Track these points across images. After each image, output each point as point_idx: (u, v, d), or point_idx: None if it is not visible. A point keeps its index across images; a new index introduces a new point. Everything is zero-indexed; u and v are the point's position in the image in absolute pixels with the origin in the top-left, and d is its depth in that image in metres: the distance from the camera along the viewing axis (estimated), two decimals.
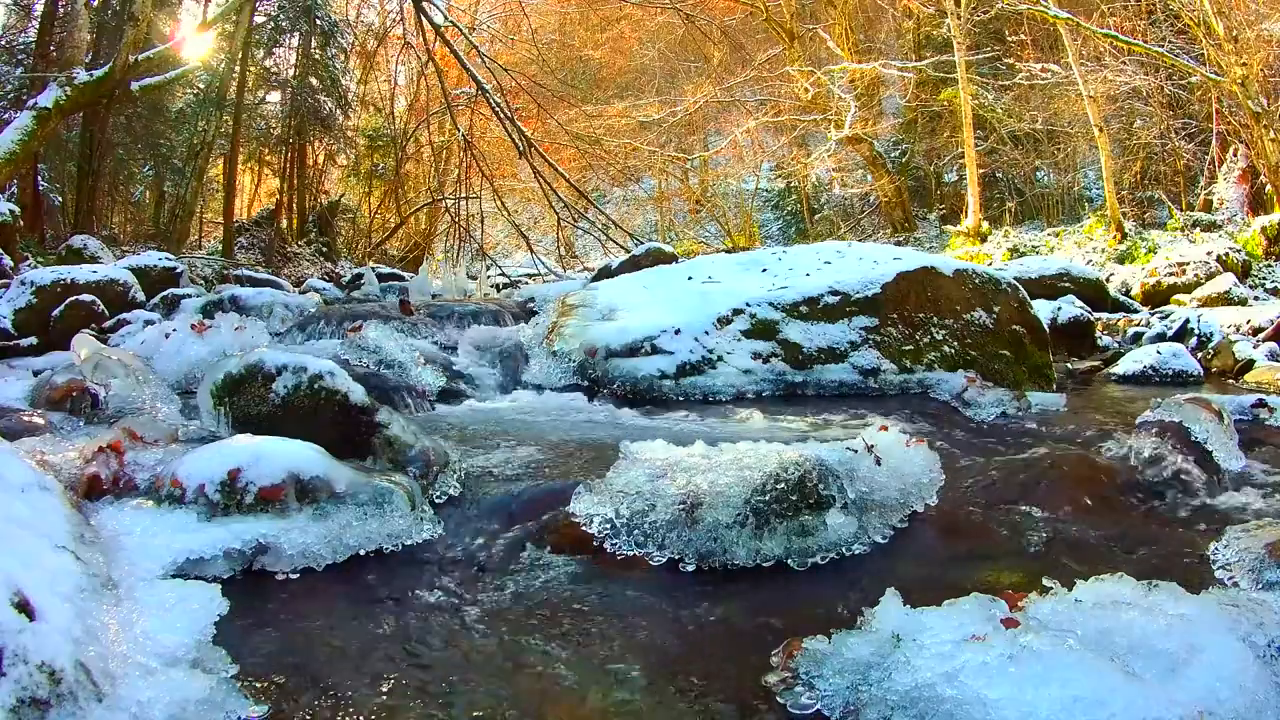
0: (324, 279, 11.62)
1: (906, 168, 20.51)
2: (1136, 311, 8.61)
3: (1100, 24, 13.50)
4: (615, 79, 23.56)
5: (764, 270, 4.86)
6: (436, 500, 2.18)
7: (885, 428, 2.35)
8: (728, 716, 1.33)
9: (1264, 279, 10.76)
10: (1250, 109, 11.54)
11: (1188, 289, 9.98)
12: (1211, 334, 5.94)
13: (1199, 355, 5.60)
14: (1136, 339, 6.70)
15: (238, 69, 13.83)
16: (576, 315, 4.38)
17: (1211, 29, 11.70)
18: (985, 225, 16.27)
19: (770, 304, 4.31)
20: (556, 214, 11.70)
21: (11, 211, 8.14)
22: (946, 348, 4.32)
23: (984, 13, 15.51)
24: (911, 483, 2.15)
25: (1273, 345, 5.81)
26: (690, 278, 4.86)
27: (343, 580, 1.78)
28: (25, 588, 1.21)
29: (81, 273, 6.25)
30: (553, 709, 1.36)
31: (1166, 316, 7.16)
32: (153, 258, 8.08)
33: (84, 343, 3.39)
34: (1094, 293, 8.44)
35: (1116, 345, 6.58)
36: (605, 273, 7.48)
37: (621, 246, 11.21)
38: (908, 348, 4.26)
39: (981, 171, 16.90)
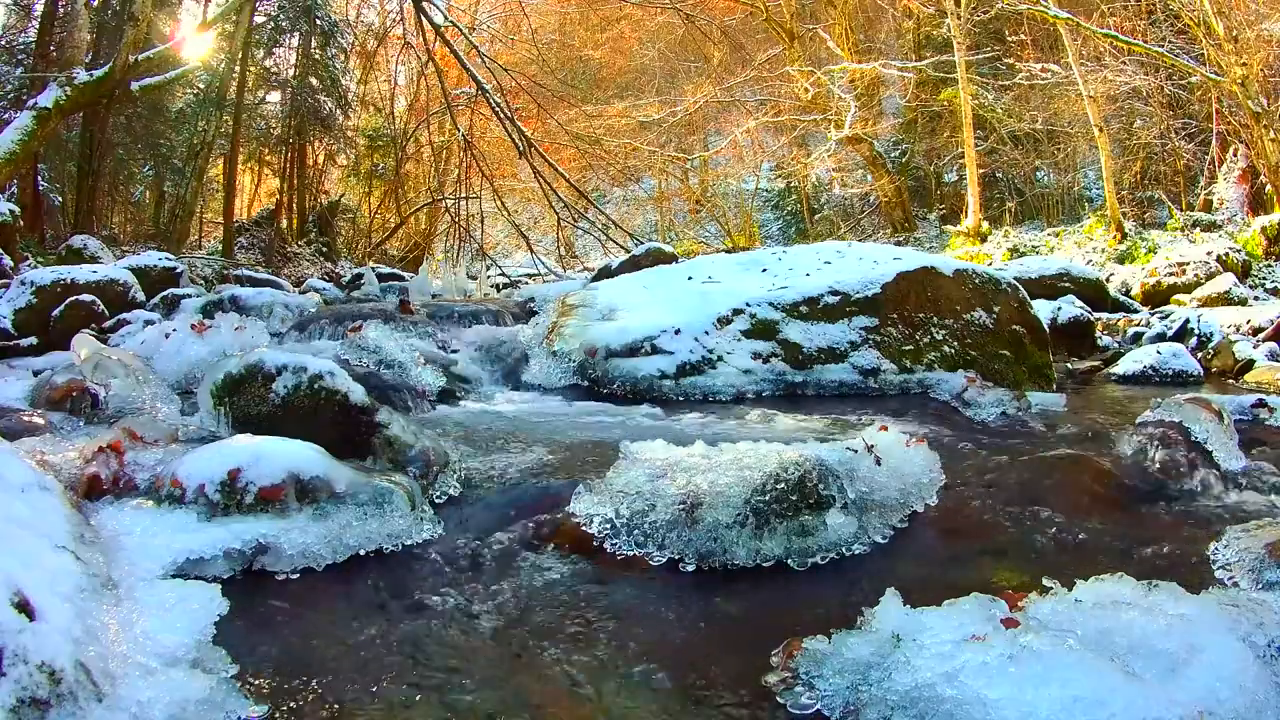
0: (324, 279, 11.61)
1: (906, 168, 20.51)
2: (1136, 311, 8.61)
3: (1100, 24, 13.50)
4: (615, 79, 23.56)
5: (764, 270, 4.86)
6: (436, 500, 2.18)
7: (885, 428, 2.35)
8: (728, 716, 1.33)
9: (1264, 279, 10.76)
10: (1250, 109, 11.54)
11: (1188, 289, 9.98)
12: (1211, 334, 5.94)
13: (1199, 355, 5.60)
14: (1136, 339, 6.70)
15: (238, 69, 13.83)
16: (576, 315, 4.38)
17: (1211, 29, 11.70)
18: (985, 225, 16.27)
19: (770, 304, 4.31)
20: (556, 214, 11.70)
21: (11, 211, 8.14)
22: (946, 348, 4.32)
23: (984, 13, 15.51)
24: (911, 483, 2.15)
25: (1273, 345, 5.81)
26: (690, 278, 4.86)
27: (343, 580, 1.78)
28: (25, 588, 1.21)
29: (81, 273, 6.25)
30: (553, 709, 1.36)
31: (1166, 316, 7.16)
32: (153, 258, 8.08)
33: (84, 343, 3.39)
34: (1094, 293, 8.44)
35: (1116, 345, 6.58)
36: (605, 273, 7.48)
37: (621, 246, 11.21)
38: (908, 348, 4.26)
39: (981, 171, 16.90)
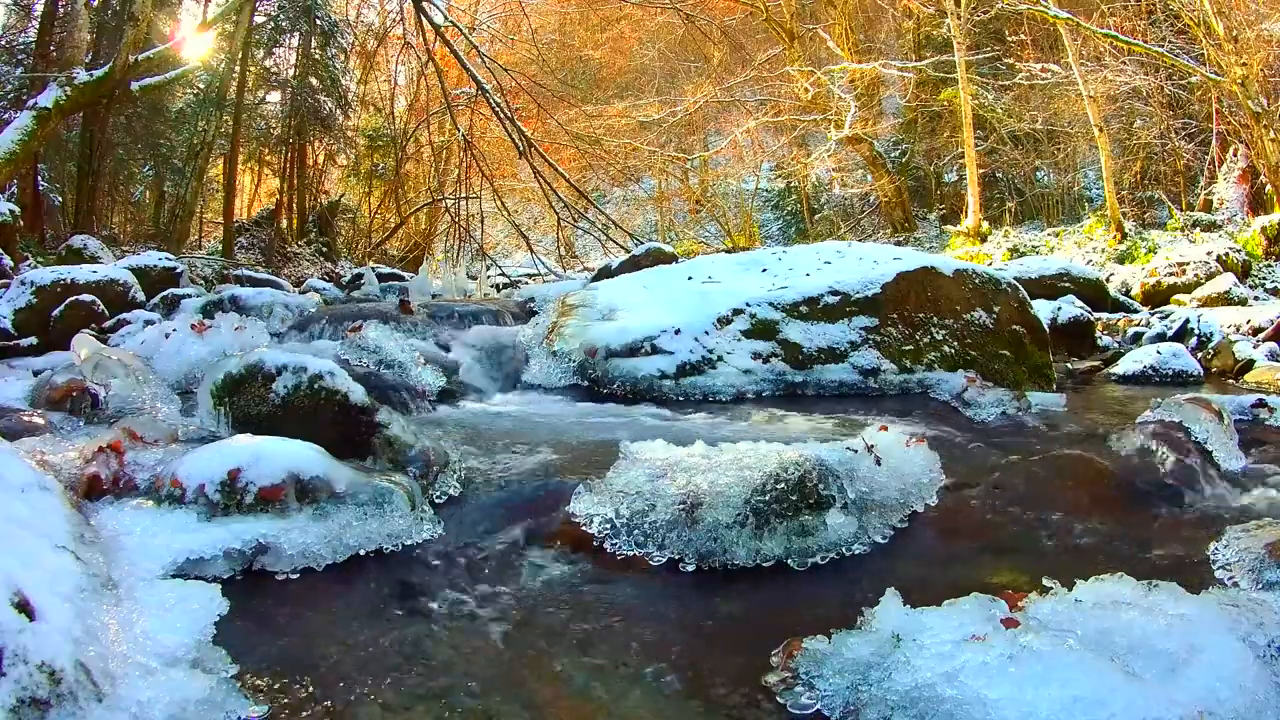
0: (324, 279, 11.61)
1: (906, 168, 20.51)
2: (1136, 311, 8.61)
3: (1100, 24, 13.50)
4: (615, 79, 23.56)
5: (764, 270, 4.86)
6: (436, 500, 2.18)
7: (885, 428, 2.35)
8: (728, 716, 1.33)
9: (1264, 279, 10.76)
10: (1250, 109, 11.54)
11: (1188, 289, 9.98)
12: (1211, 334, 5.94)
13: (1199, 355, 5.60)
14: (1136, 339, 6.70)
15: (238, 69, 13.83)
16: (576, 315, 4.37)
17: (1211, 29, 11.70)
18: (985, 225, 16.27)
19: (770, 304, 4.31)
20: (556, 214, 11.70)
21: (11, 211, 8.14)
22: (946, 348, 4.32)
23: (984, 13, 15.51)
24: (911, 483, 2.16)
25: (1273, 345, 5.81)
26: (690, 278, 4.86)
27: (343, 580, 1.78)
28: (25, 588, 1.21)
29: (81, 273, 6.25)
30: (552, 708, 1.36)
31: (1166, 316, 7.16)
32: (153, 258, 8.07)
33: (84, 343, 3.39)
34: (1094, 293, 8.44)
35: (1116, 345, 6.58)
36: (605, 273, 7.47)
37: (621, 246, 11.21)
38: (908, 348, 4.26)
39: (981, 171, 16.90)
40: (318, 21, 16.32)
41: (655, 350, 4.00)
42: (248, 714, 1.26)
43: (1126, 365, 5.23)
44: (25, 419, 2.81)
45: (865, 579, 1.79)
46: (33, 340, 5.49)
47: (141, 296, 6.55)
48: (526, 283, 11.29)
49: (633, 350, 4.00)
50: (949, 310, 4.46)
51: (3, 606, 1.13)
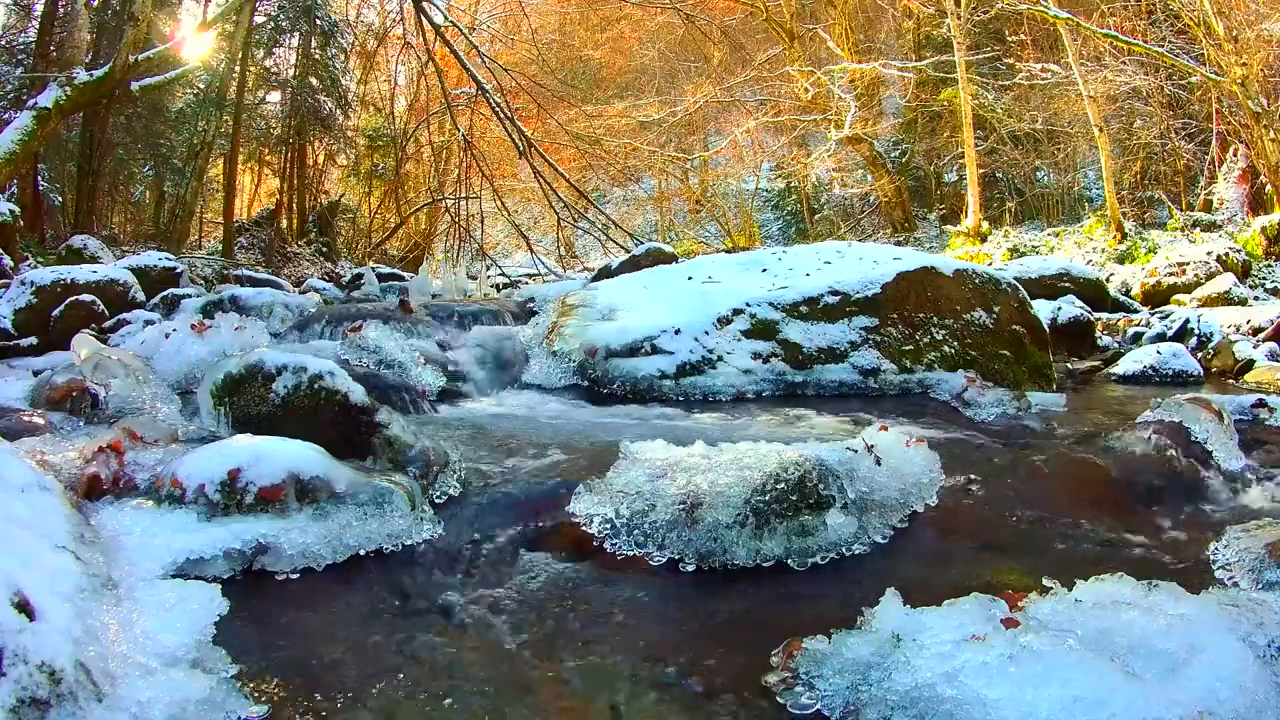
0: (324, 279, 11.61)
1: (906, 168, 20.51)
2: (1136, 311, 8.61)
3: (1100, 24, 13.50)
4: (615, 79, 23.56)
5: (764, 270, 4.85)
6: (436, 500, 2.18)
7: (885, 428, 2.35)
8: (728, 716, 1.33)
9: (1264, 279, 10.76)
10: (1250, 109, 11.54)
11: (1188, 289, 9.98)
12: (1211, 334, 5.94)
13: (1199, 355, 5.60)
14: (1136, 339, 6.70)
15: (238, 69, 13.83)
16: (576, 315, 4.37)
17: (1211, 29, 11.70)
18: (985, 225, 16.28)
19: (770, 304, 4.31)
20: (556, 214, 11.70)
21: (11, 211, 8.14)
22: (946, 348, 4.32)
23: (984, 13, 15.51)
24: (911, 483, 2.15)
25: (1273, 345, 5.81)
26: (690, 278, 4.86)
27: (343, 580, 1.78)
28: (25, 588, 1.21)
29: (81, 273, 6.24)
30: (552, 709, 1.36)
31: (1166, 316, 7.16)
32: (153, 258, 8.07)
33: (84, 343, 3.39)
34: (1094, 293, 8.44)
35: (1116, 345, 6.58)
36: (605, 273, 7.47)
37: (621, 246, 11.21)
38: (908, 348, 4.25)
39: (981, 171, 16.90)
40: (318, 21, 16.33)
41: (655, 350, 3.99)
42: (248, 714, 1.26)
43: (1126, 365, 5.23)
44: (25, 419, 2.81)
45: (865, 579, 1.79)
46: (33, 340, 5.48)
47: (141, 296, 6.55)
48: (526, 283, 11.29)
49: (633, 350, 4.00)
50: (949, 310, 4.46)
51: (3, 606, 1.13)
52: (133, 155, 14.64)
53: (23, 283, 5.89)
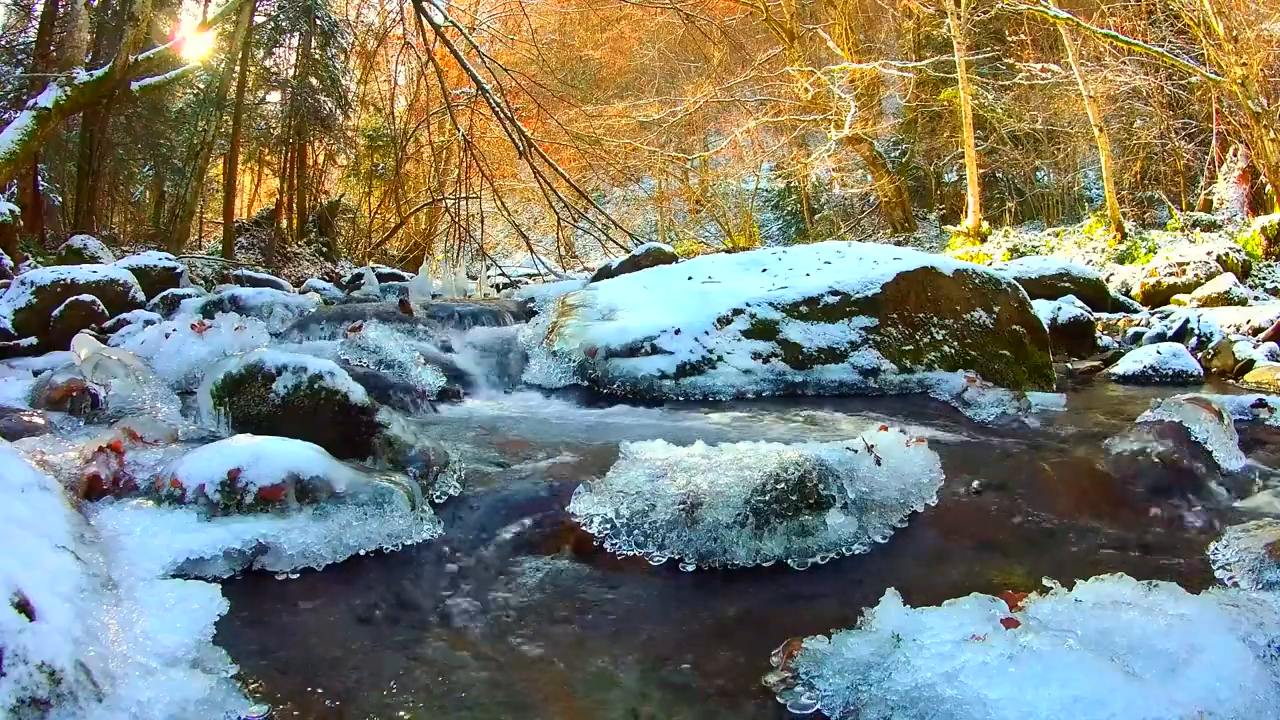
0: (324, 279, 11.61)
1: (906, 168, 20.51)
2: (1136, 311, 8.61)
3: (1100, 24, 13.50)
4: (615, 79, 23.56)
5: (764, 270, 4.85)
6: (436, 500, 2.18)
7: (885, 428, 2.35)
8: (728, 716, 1.33)
9: (1264, 279, 10.76)
10: (1250, 109, 11.54)
11: (1188, 289, 9.98)
12: (1211, 334, 5.94)
13: (1199, 355, 5.60)
14: (1136, 339, 6.70)
15: (238, 69, 13.83)
16: (576, 315, 4.37)
17: (1211, 29, 11.70)
18: (985, 225, 16.28)
19: (770, 304, 4.31)
20: (556, 214, 11.70)
21: (11, 211, 8.14)
22: (946, 348, 4.32)
23: (984, 13, 15.51)
24: (911, 483, 2.15)
25: (1273, 345, 5.81)
26: (690, 278, 4.86)
27: (343, 580, 1.78)
28: (25, 588, 1.21)
29: (81, 273, 6.25)
30: (552, 709, 1.36)
31: (1166, 316, 7.16)
32: (153, 258, 8.08)
33: (84, 343, 3.39)
34: (1094, 293, 8.44)
35: (1116, 345, 6.58)
36: (605, 273, 7.47)
37: (621, 246, 11.21)
38: (908, 348, 4.25)
39: (981, 171, 16.90)
40: (318, 21, 16.33)
41: (655, 350, 3.99)
42: (248, 714, 1.26)
43: (1126, 365, 5.23)
44: (25, 419, 2.81)
45: (865, 579, 1.79)
46: (33, 340, 5.49)
47: (141, 296, 6.56)
48: (526, 283, 11.29)
49: (633, 350, 4.00)
50: (949, 310, 4.46)
51: (3, 606, 1.13)
52: (133, 155, 14.64)
53: (23, 283, 5.89)
